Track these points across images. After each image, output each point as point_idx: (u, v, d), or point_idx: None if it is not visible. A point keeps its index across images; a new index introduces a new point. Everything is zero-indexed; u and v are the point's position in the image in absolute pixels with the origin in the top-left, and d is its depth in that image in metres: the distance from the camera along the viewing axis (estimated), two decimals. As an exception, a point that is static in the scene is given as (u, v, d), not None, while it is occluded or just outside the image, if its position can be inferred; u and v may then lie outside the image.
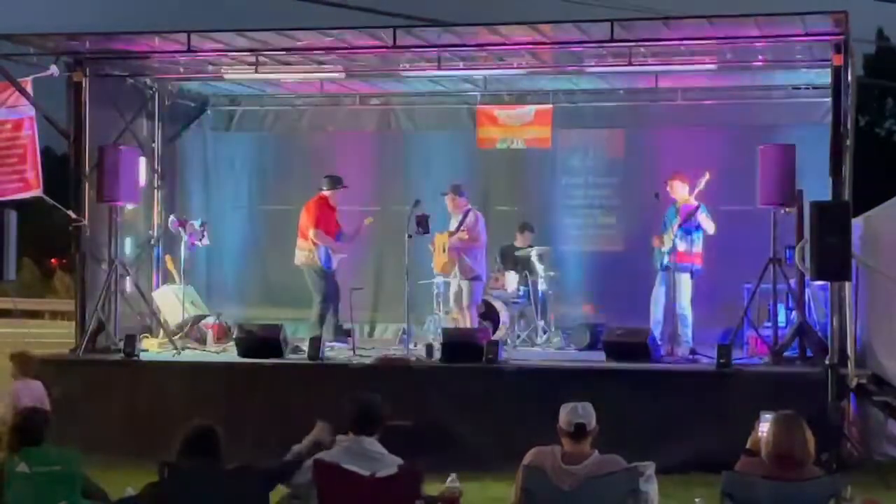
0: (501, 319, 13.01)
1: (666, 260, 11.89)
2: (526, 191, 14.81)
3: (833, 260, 10.43)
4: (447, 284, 12.84)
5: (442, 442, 10.05)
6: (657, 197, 12.13)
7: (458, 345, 11.13)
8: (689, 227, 11.82)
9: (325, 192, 12.76)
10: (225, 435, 5.63)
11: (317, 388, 10.62)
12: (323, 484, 5.71)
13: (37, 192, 12.34)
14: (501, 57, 12.72)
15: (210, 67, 13.18)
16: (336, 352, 12.00)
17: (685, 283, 11.89)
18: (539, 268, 13.29)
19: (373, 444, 5.83)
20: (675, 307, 11.80)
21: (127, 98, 13.43)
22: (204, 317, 13.43)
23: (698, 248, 11.94)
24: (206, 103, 15.24)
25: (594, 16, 12.96)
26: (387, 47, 11.99)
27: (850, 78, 11.27)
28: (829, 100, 11.60)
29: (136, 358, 11.58)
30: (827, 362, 10.66)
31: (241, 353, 11.59)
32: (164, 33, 12.20)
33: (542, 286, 13.28)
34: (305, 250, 12.65)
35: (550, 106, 14.33)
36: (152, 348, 12.33)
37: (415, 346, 12.12)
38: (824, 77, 11.97)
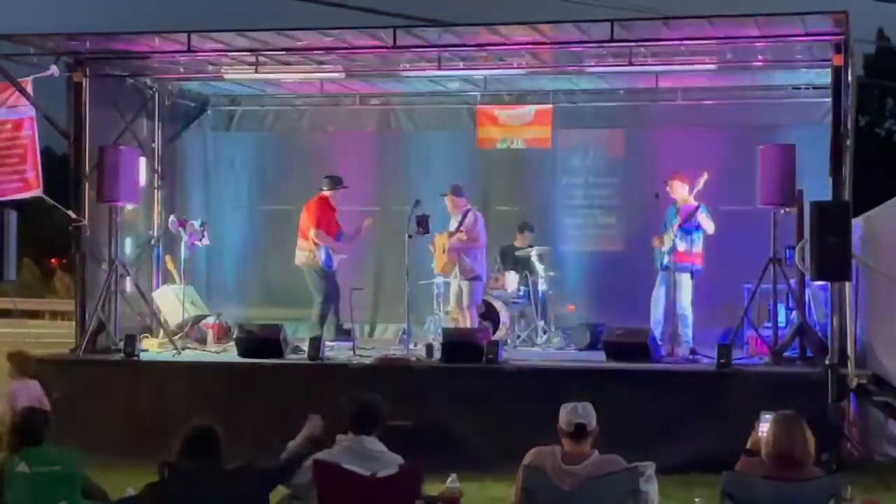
0: (501, 319, 13.02)
1: (666, 260, 11.89)
2: (526, 191, 14.82)
3: (833, 260, 10.43)
4: (447, 285, 12.84)
5: (442, 442, 10.05)
6: (657, 197, 12.13)
7: (459, 345, 11.14)
8: (688, 227, 11.82)
9: (326, 193, 12.76)
10: (225, 435, 5.63)
11: (317, 388, 10.61)
12: (323, 484, 5.71)
13: (37, 192, 12.34)
14: (501, 57, 12.72)
15: (210, 67, 13.18)
16: (336, 352, 12.00)
17: (685, 283, 11.89)
18: (539, 268, 13.29)
19: (373, 443, 5.84)
20: (676, 307, 11.80)
21: (127, 98, 13.43)
22: (204, 317, 13.44)
23: (698, 248, 11.94)
24: (206, 103, 15.24)
25: (594, 16, 12.96)
26: (387, 47, 11.99)
27: (850, 78, 11.26)
28: (829, 100, 11.60)
29: (136, 358, 11.58)
30: (827, 362, 10.66)
31: (242, 353, 11.59)
32: (165, 33, 12.20)
33: (542, 286, 13.29)
34: (306, 250, 12.66)
35: (550, 106, 14.33)
36: (152, 348, 12.33)
37: (415, 346, 12.12)
38: (824, 77, 11.97)
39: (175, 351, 12.09)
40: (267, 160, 15.37)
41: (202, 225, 13.52)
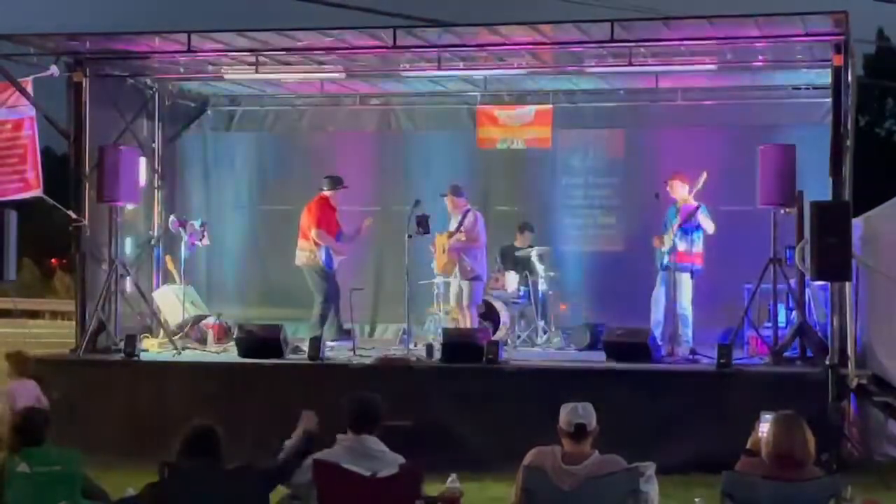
0: (502, 320, 13.01)
1: (666, 260, 11.89)
2: (526, 191, 14.81)
3: (833, 260, 10.43)
4: (447, 285, 12.83)
5: (442, 442, 10.05)
6: (657, 197, 12.13)
7: (459, 345, 11.13)
8: (688, 227, 11.81)
9: (326, 193, 12.76)
10: (225, 435, 5.63)
11: (317, 388, 10.60)
12: (323, 484, 5.71)
13: (37, 192, 12.34)
14: (501, 57, 12.72)
15: (210, 67, 13.18)
16: (336, 352, 12.00)
17: (685, 283, 11.88)
18: (539, 268, 13.29)
19: (375, 442, 5.84)
20: (676, 307, 11.80)
21: (127, 98, 13.43)
22: (204, 317, 13.43)
23: (698, 248, 11.93)
24: (206, 103, 15.24)
25: (594, 16, 12.96)
26: (387, 47, 11.99)
27: (850, 78, 11.27)
28: (829, 100, 11.60)
29: (136, 358, 11.58)
30: (827, 362, 10.66)
31: (242, 354, 11.59)
32: (165, 33, 12.20)
33: (542, 286, 13.28)
34: (307, 251, 12.66)
35: (550, 106, 14.33)
36: (152, 348, 12.33)
37: (415, 346, 12.12)
38: (824, 77, 11.97)
39: (175, 351, 12.09)
40: (267, 160, 15.37)
41: (202, 225, 13.52)
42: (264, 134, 15.49)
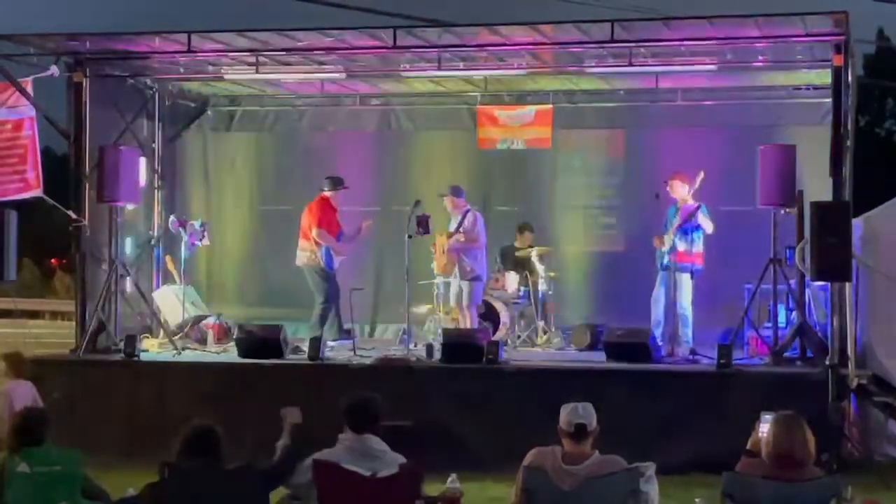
0: (502, 320, 13.01)
1: (666, 260, 11.88)
2: (526, 191, 14.80)
3: (833, 260, 10.43)
4: (447, 285, 12.83)
5: (442, 442, 10.04)
6: (657, 197, 12.12)
7: (459, 345, 11.13)
8: (687, 227, 11.80)
9: (327, 193, 12.76)
10: (225, 435, 5.63)
11: (317, 388, 10.60)
12: (323, 484, 5.70)
13: (37, 192, 12.34)
14: (502, 57, 12.72)
15: (210, 68, 13.18)
16: (336, 352, 12.00)
17: (685, 283, 11.88)
18: (539, 268, 13.28)
19: (376, 441, 5.83)
20: (676, 307, 11.79)
21: (127, 98, 13.43)
22: (204, 317, 13.43)
23: (699, 247, 11.92)
24: (206, 103, 15.24)
25: (595, 16, 12.96)
26: (387, 48, 11.99)
27: (850, 78, 11.27)
28: (829, 100, 11.60)
29: (136, 358, 11.57)
30: (827, 363, 10.66)
31: (242, 354, 11.59)
32: (165, 34, 12.20)
33: (542, 287, 13.27)
34: (307, 251, 12.65)
35: (551, 106, 14.33)
36: (152, 349, 12.33)
37: (415, 346, 12.12)
38: (825, 77, 11.98)
39: (175, 351, 12.09)
40: (267, 160, 15.36)
41: (202, 225, 13.52)
42: (264, 134, 15.48)
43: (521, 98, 14.69)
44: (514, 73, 13.24)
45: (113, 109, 13.05)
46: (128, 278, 12.67)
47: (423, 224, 12.18)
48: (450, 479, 6.09)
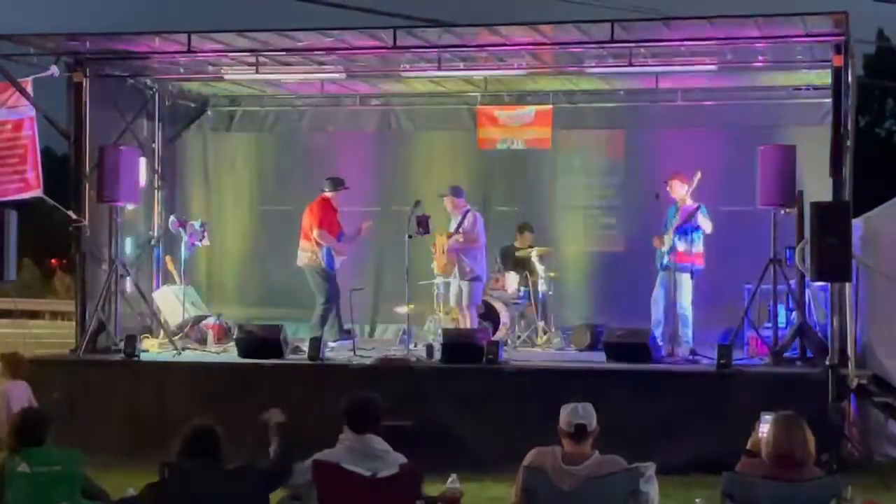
0: (502, 320, 13.01)
1: (666, 259, 11.88)
2: (526, 191, 14.80)
3: (833, 260, 10.43)
4: (447, 285, 12.83)
5: (442, 442, 10.04)
6: (657, 197, 12.13)
7: (459, 345, 11.13)
8: (687, 227, 11.80)
9: (328, 194, 12.76)
10: (225, 435, 5.63)
11: (317, 388, 10.61)
12: (323, 484, 5.70)
13: (37, 192, 12.34)
14: (502, 57, 12.72)
15: (210, 68, 13.18)
16: (336, 352, 12.00)
17: (685, 283, 11.87)
18: (539, 268, 13.28)
19: (378, 441, 5.82)
20: (676, 307, 11.80)
21: (127, 98, 13.43)
22: (204, 317, 13.43)
23: (699, 247, 11.92)
24: (206, 104, 15.24)
25: (595, 16, 12.96)
26: (387, 48, 11.99)
27: (850, 78, 11.27)
28: (829, 100, 11.60)
29: (136, 358, 11.57)
30: (827, 363, 10.66)
31: (242, 354, 11.59)
32: (165, 34, 12.20)
33: (542, 287, 13.27)
34: (308, 251, 12.65)
35: (551, 106, 14.33)
36: (152, 349, 12.33)
37: (415, 346, 12.12)
38: (825, 78, 11.98)
39: (175, 351, 12.09)
40: (267, 161, 15.36)
41: (202, 225, 13.52)
42: (264, 134, 15.48)
43: (521, 98, 14.69)
44: (514, 74, 13.24)
45: (113, 109, 13.05)
46: (128, 278, 12.67)
47: (423, 224, 12.18)
48: (450, 479, 6.08)
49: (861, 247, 11.52)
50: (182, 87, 14.64)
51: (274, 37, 12.07)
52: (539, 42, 11.99)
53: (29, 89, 12.21)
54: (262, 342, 11.52)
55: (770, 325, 11.61)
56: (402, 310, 12.28)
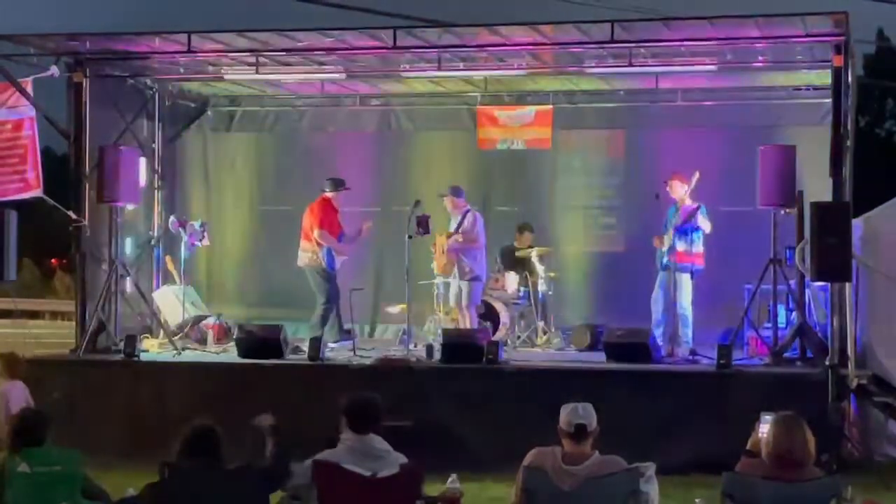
0: (501, 320, 13.01)
1: (666, 260, 11.88)
2: (526, 191, 14.80)
3: (833, 260, 10.43)
4: (447, 285, 12.83)
5: (442, 442, 10.03)
6: (657, 197, 12.13)
7: (459, 345, 11.13)
8: (687, 227, 11.80)
9: (328, 194, 12.76)
10: (225, 435, 5.63)
11: (317, 388, 10.61)
12: (323, 484, 5.70)
13: (37, 192, 12.33)
14: (502, 58, 12.72)
15: (210, 68, 13.18)
16: (336, 352, 12.00)
17: (685, 283, 11.87)
18: (539, 268, 13.28)
19: (379, 441, 5.82)
20: (676, 307, 11.79)
21: (127, 98, 13.43)
22: (204, 317, 13.43)
23: (698, 247, 11.92)
24: (206, 104, 15.24)
25: (595, 16, 12.96)
26: (387, 48, 11.99)
27: (850, 78, 11.27)
28: (829, 100, 11.60)
29: (136, 358, 11.57)
30: (827, 363, 10.66)
31: (242, 354, 11.59)
32: (165, 34, 12.20)
33: (542, 287, 13.27)
34: (309, 252, 12.65)
35: (551, 107, 14.33)
36: (152, 349, 12.33)
37: (415, 346, 12.12)
38: (825, 78, 11.98)
39: (175, 351, 12.08)
40: (267, 161, 15.36)
41: (202, 225, 13.52)
42: (264, 134, 15.48)
43: (521, 98, 14.69)
44: (514, 74, 13.24)
45: (113, 109, 13.05)
46: (128, 278, 12.67)
47: (423, 224, 12.18)
48: (450, 479, 6.08)
49: (861, 247, 11.52)
50: (182, 87, 14.64)
51: (274, 37, 12.07)
52: (539, 42, 11.99)
53: (29, 89, 12.21)
54: (262, 342, 11.52)
55: (770, 325, 11.61)
56: (395, 310, 12.27)
